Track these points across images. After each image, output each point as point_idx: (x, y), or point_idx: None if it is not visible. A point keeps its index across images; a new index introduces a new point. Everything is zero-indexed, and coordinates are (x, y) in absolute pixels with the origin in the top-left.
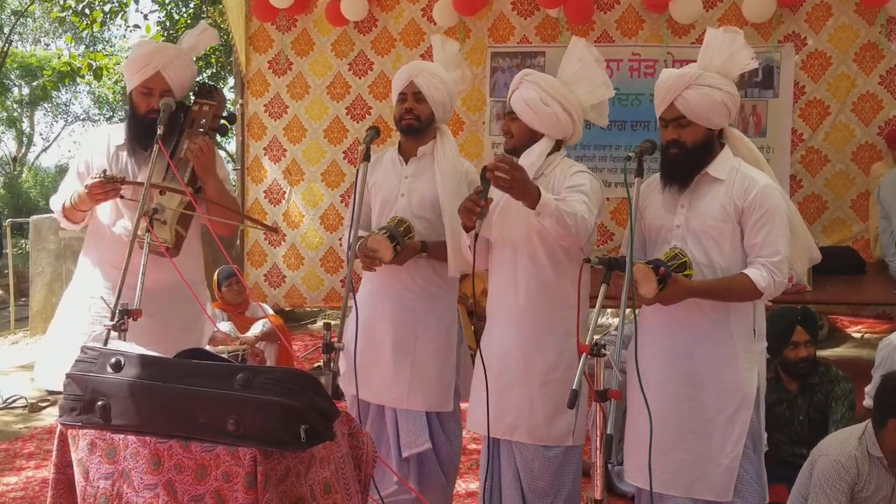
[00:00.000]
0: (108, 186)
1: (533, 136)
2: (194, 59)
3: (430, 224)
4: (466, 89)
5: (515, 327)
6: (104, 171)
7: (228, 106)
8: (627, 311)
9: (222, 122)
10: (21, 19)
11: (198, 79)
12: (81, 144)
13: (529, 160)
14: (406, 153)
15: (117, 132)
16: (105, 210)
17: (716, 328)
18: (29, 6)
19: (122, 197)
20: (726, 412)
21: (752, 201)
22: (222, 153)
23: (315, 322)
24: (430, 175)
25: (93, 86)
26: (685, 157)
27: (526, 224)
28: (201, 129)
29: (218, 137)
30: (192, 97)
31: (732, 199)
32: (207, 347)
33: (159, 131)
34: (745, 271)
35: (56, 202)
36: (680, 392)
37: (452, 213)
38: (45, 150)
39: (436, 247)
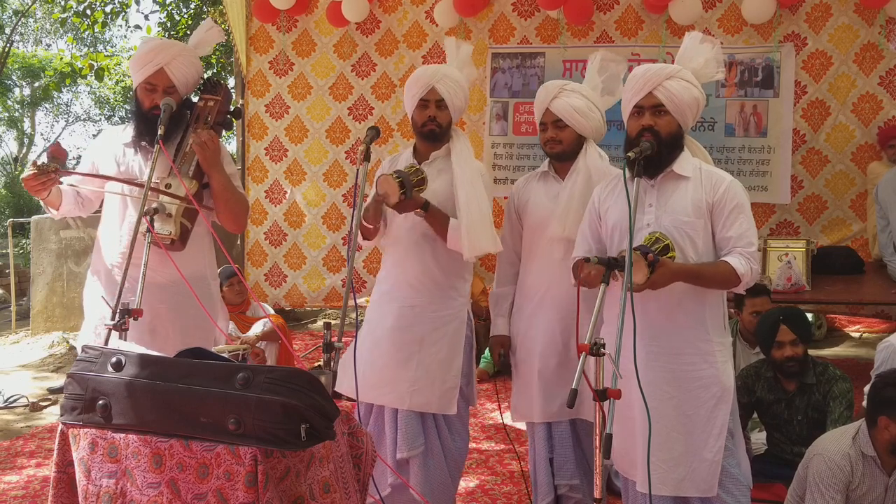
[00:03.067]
0: (41, 178)
1: (580, 141)
2: (199, 57)
3: None
4: (470, 88)
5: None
6: (33, 162)
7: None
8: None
9: (228, 116)
10: (22, 20)
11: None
12: (89, 145)
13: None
14: (421, 157)
15: (124, 131)
16: (113, 208)
17: (692, 323)
18: (30, 7)
19: (61, 183)
20: (707, 406)
21: (722, 196)
22: None
23: (316, 322)
24: (444, 177)
25: (94, 86)
26: (657, 147)
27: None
28: (207, 124)
29: (223, 132)
30: (198, 93)
31: (703, 195)
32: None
33: (160, 132)
34: (726, 258)
35: None
36: (661, 391)
37: (468, 197)
38: (45, 150)
39: (437, 213)
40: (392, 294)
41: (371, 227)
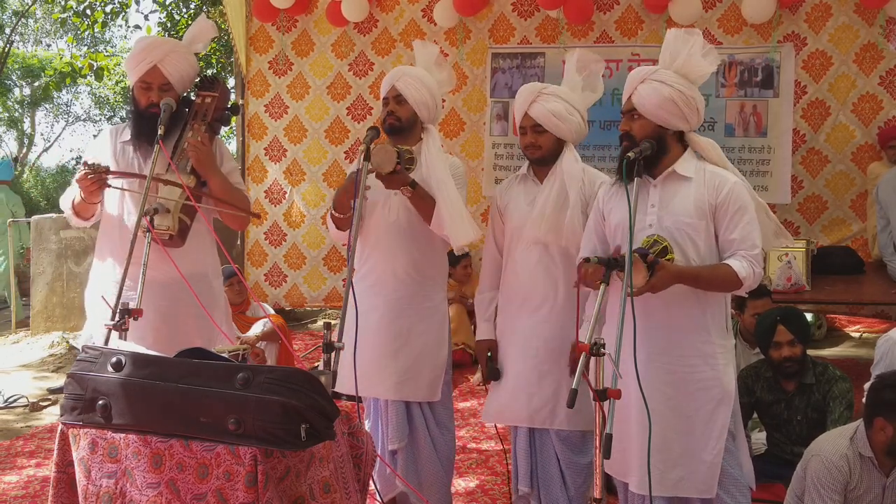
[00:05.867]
0: (94, 177)
1: (559, 145)
2: (196, 54)
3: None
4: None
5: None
6: (84, 162)
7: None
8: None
9: (225, 112)
10: (22, 20)
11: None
12: (88, 145)
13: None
14: None
15: (122, 130)
16: (113, 206)
17: (694, 325)
18: (30, 7)
19: (109, 185)
20: (707, 408)
21: (725, 198)
22: None
23: (316, 322)
24: (417, 176)
25: (94, 86)
26: (655, 148)
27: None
28: (205, 121)
29: (222, 129)
30: (195, 90)
31: (705, 196)
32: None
33: (160, 132)
34: (727, 261)
35: (65, 201)
36: (660, 392)
37: (440, 189)
38: (45, 150)
39: (423, 193)
40: (377, 288)
41: (346, 202)
